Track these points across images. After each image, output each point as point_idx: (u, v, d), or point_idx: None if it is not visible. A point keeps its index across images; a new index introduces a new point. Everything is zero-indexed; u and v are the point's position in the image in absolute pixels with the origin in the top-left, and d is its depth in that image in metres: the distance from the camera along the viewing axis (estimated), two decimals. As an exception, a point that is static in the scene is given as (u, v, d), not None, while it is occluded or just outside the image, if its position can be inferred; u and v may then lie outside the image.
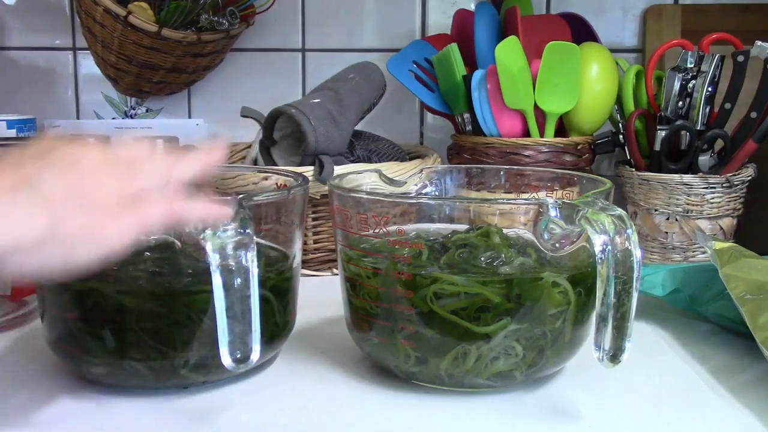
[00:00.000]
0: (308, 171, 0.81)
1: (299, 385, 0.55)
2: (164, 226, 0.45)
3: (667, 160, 0.89)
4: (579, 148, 0.93)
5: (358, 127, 0.94)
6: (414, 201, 0.60)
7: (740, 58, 0.86)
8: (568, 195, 0.62)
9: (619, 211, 0.47)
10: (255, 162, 0.93)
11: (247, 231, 0.47)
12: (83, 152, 0.43)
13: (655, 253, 0.90)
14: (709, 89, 0.86)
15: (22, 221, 0.40)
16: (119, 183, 0.43)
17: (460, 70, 0.95)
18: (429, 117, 1.19)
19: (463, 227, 0.57)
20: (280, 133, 0.90)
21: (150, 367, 0.52)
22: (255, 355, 0.47)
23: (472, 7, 1.12)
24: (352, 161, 0.89)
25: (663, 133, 0.88)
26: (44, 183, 0.41)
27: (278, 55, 1.18)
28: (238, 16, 1.07)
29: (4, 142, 0.91)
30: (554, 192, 0.63)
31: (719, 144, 0.89)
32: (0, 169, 0.42)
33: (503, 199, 0.64)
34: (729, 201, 0.88)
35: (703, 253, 0.87)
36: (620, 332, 0.47)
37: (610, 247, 0.46)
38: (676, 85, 0.87)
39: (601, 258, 0.46)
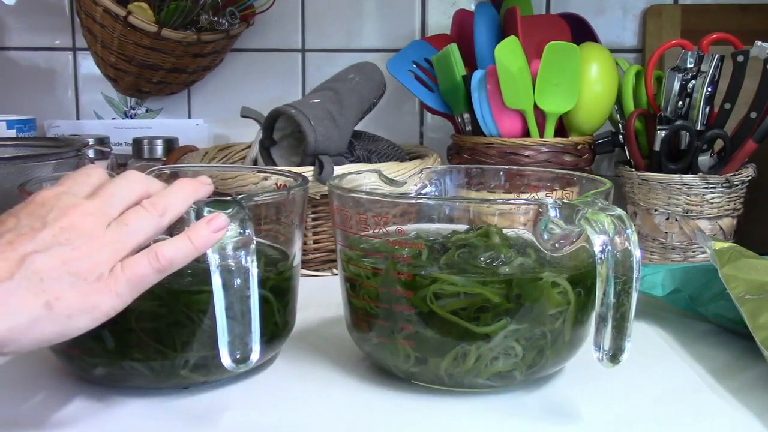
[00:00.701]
0: (308, 171, 0.81)
1: (299, 385, 0.55)
2: (158, 277, 0.45)
3: (666, 160, 0.89)
4: (579, 148, 0.93)
5: (357, 127, 0.93)
6: (414, 201, 0.60)
7: (740, 58, 0.86)
8: (567, 195, 0.62)
9: (619, 211, 0.47)
10: (255, 162, 0.93)
11: (247, 231, 0.47)
12: (74, 220, 0.43)
13: (655, 253, 0.90)
14: (709, 89, 0.86)
15: (18, 306, 0.41)
16: (112, 248, 0.43)
17: (460, 70, 0.95)
18: (429, 117, 1.19)
19: (462, 227, 0.57)
20: (280, 134, 0.90)
21: (150, 367, 0.52)
22: (255, 356, 0.47)
23: (472, 7, 1.12)
24: (352, 161, 0.89)
25: (663, 133, 0.88)
26: (37, 263, 0.41)
27: (278, 55, 1.18)
28: (238, 16, 1.07)
29: (4, 142, 0.91)
30: (554, 192, 0.63)
31: (719, 144, 0.89)
32: None
33: (503, 199, 0.64)
34: (729, 201, 0.88)
35: (703, 253, 0.87)
36: (620, 332, 0.47)
37: (609, 248, 0.46)
38: (676, 85, 0.87)
39: (600, 258, 0.46)
